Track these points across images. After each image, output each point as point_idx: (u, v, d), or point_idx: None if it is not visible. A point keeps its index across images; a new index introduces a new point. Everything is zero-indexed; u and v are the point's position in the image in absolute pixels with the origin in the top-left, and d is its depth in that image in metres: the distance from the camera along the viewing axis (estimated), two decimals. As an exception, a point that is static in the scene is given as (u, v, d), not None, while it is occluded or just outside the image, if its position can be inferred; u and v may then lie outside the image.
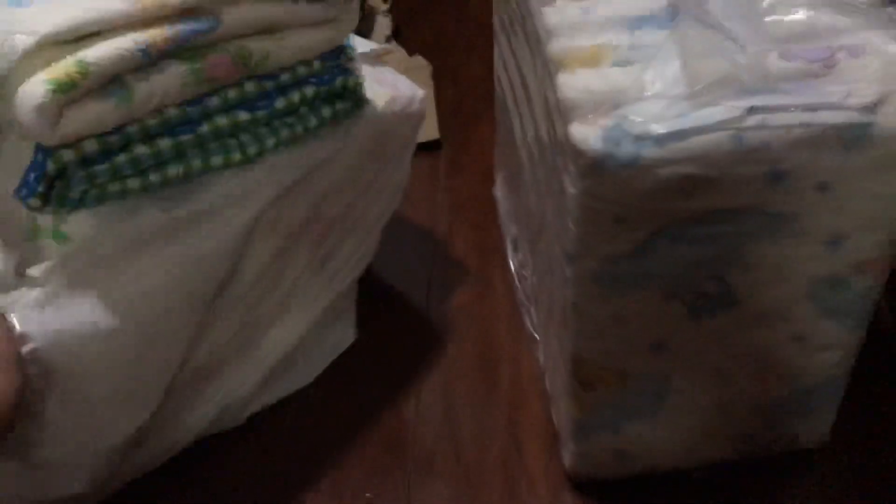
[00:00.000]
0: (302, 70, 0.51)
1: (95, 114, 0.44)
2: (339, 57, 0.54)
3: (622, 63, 0.43)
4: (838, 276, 0.46)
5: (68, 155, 0.44)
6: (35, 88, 0.41)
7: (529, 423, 0.60)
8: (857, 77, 0.41)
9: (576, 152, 0.41)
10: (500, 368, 0.64)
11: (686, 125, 0.40)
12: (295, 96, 0.51)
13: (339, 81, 0.53)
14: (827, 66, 0.41)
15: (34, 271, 0.46)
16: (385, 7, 0.96)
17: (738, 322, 0.47)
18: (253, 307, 0.56)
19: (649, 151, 0.40)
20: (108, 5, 0.44)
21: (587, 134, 0.41)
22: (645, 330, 0.48)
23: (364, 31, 0.91)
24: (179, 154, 0.48)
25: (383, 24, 0.93)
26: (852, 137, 0.41)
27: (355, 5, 0.53)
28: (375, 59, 0.62)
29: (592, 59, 0.44)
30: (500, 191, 0.73)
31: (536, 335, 0.62)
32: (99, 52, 0.43)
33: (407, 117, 0.59)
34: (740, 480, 0.56)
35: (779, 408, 0.52)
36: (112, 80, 0.44)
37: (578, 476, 0.56)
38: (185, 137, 0.48)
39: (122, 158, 0.46)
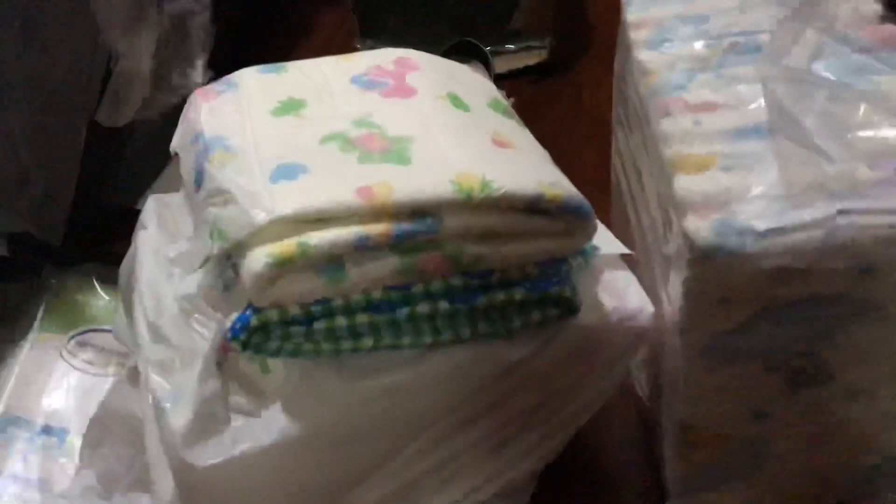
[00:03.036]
0: (515, 274, 0.51)
1: (306, 287, 0.47)
2: (561, 266, 0.52)
3: (727, 168, 0.51)
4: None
5: (272, 315, 0.47)
6: (257, 259, 0.46)
7: (635, 483, 0.66)
8: (938, 185, 0.48)
9: (689, 242, 0.49)
10: (611, 429, 0.70)
11: (782, 223, 0.47)
12: (500, 296, 0.51)
13: (554, 290, 0.52)
14: (910, 176, 0.48)
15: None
16: (509, 103, 1.06)
17: (831, 396, 0.54)
18: (413, 470, 0.55)
19: (751, 244, 0.48)
20: (342, 197, 0.47)
21: (699, 227, 0.49)
22: (747, 399, 0.54)
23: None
24: (374, 330, 0.50)
25: (506, 117, 1.03)
26: (933, 237, 0.47)
27: (593, 223, 0.53)
28: (619, 262, 0.60)
29: (703, 165, 0.52)
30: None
31: (646, 402, 0.68)
32: (321, 237, 0.47)
33: (625, 331, 0.57)
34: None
35: (873, 476, 0.57)
36: (329, 259, 0.47)
37: (683, 531, 0.62)
38: (383, 317, 0.49)
39: (320, 325, 0.48)
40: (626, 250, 0.62)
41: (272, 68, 0.60)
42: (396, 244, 0.49)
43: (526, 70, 1.11)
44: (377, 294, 0.49)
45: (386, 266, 0.49)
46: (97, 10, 0.76)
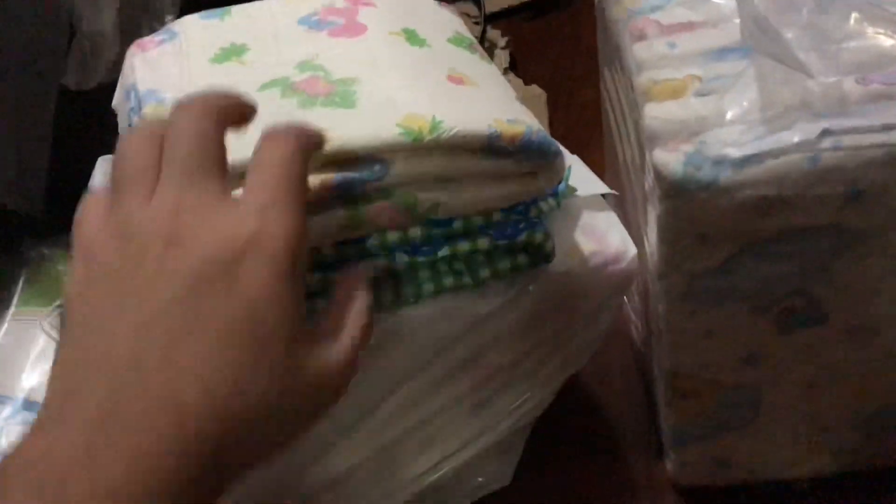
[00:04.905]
0: (478, 220, 0.47)
1: None
2: (528, 210, 0.49)
3: (703, 93, 0.46)
4: (928, 290, 0.47)
5: None
6: None
7: (633, 433, 0.63)
8: (935, 97, 0.42)
9: (659, 176, 0.45)
10: (609, 380, 0.67)
11: (761, 149, 0.43)
12: (464, 246, 0.47)
13: (523, 236, 0.48)
14: (903, 88, 0.43)
15: None
16: (503, 42, 1.01)
17: (829, 336, 0.49)
18: (389, 433, 0.53)
19: (727, 174, 0.43)
20: None
21: (668, 159, 0.45)
22: (735, 343, 0.50)
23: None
24: (328, 289, 0.46)
25: (501, 58, 0.99)
26: (931, 156, 0.42)
27: (560, 162, 0.49)
28: (601, 202, 0.56)
29: (677, 91, 0.47)
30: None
31: (641, 349, 0.65)
32: None
33: (607, 275, 0.53)
34: (845, 493, 0.57)
35: (877, 421, 0.53)
36: None
37: (680, 483, 0.58)
38: (336, 275, 0.46)
39: None
40: (607, 190, 0.57)
41: (216, 13, 0.56)
42: (341, 195, 0.45)
43: (523, 7, 1.06)
44: (328, 250, 0.46)
45: (332, 219, 0.45)
46: (52, -30, 0.73)
